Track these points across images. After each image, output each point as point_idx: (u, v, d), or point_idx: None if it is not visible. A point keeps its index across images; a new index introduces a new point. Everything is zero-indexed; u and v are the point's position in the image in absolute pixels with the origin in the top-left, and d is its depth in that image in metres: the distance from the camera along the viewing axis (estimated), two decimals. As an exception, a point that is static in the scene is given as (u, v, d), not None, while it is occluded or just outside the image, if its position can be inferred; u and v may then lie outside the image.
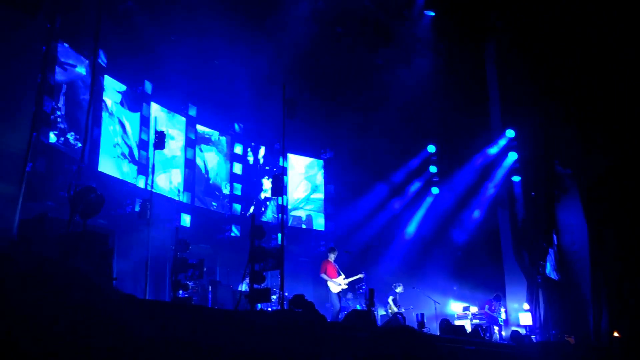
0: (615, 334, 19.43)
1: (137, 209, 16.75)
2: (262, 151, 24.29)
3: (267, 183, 23.94)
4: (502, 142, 23.60)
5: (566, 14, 19.91)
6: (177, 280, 13.34)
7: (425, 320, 18.60)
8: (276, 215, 23.51)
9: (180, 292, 13.34)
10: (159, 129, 15.17)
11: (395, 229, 25.29)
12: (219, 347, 5.30)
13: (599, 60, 19.94)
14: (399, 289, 19.75)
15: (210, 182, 22.16)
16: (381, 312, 19.79)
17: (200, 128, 21.91)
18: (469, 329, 18.46)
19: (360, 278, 17.89)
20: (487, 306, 20.76)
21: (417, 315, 19.01)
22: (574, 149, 21.71)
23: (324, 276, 16.70)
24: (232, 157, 23.16)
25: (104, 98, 17.74)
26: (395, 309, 19.17)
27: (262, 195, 23.84)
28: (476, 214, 24.42)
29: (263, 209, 23.81)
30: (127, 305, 5.26)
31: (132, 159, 18.54)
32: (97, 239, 8.58)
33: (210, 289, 16.02)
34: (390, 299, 19.54)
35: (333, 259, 16.88)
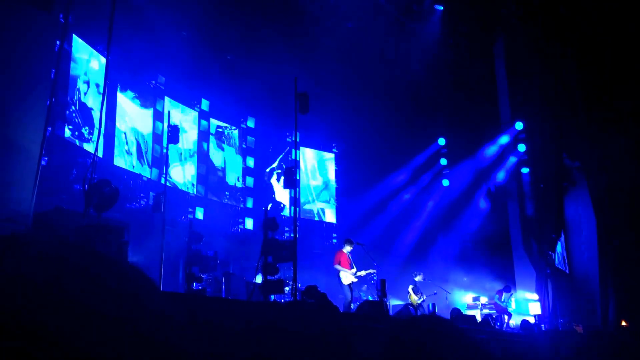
0: (623, 323, 19.48)
1: (151, 202, 16.89)
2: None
3: (277, 185, 24.07)
4: (511, 134, 23.65)
5: (575, 6, 19.90)
6: (191, 273, 13.44)
7: (436, 310, 18.69)
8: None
9: (194, 284, 13.42)
10: (173, 122, 15.22)
11: (406, 221, 25.38)
12: (231, 337, 5.37)
13: (608, 52, 19.93)
14: (417, 278, 19.71)
15: (223, 175, 22.27)
16: (393, 302, 19.84)
17: (213, 122, 22.04)
18: (479, 318, 18.55)
19: (372, 273, 17.86)
20: (497, 296, 20.84)
21: (428, 305, 19.11)
22: (582, 142, 21.73)
23: (338, 267, 16.65)
24: (245, 151, 23.27)
25: (118, 93, 17.90)
26: (415, 298, 19.19)
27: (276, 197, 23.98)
28: (482, 204, 24.54)
29: (282, 206, 23.96)
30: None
31: (144, 154, 18.71)
32: (112, 231, 8.59)
33: (223, 281, 16.07)
34: (410, 288, 19.58)
35: (347, 250, 16.83)
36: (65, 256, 0.93)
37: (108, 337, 0.86)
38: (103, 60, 16.61)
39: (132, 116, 18.59)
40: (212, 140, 21.98)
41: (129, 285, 0.97)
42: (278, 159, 24.53)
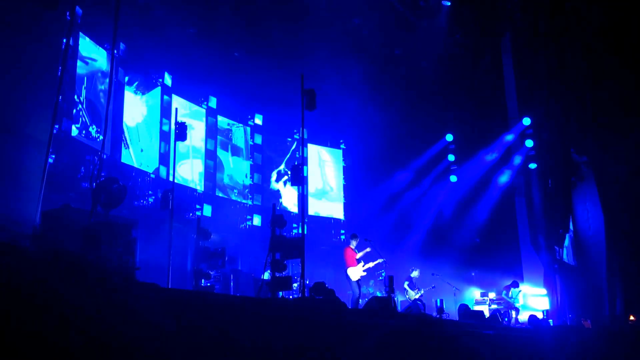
0: (631, 318, 19.47)
1: (159, 199, 16.92)
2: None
3: (284, 189, 24.09)
4: (519, 129, 23.58)
5: (581, 1, 19.88)
6: (199, 270, 13.49)
7: (444, 306, 18.70)
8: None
9: (203, 281, 13.48)
10: (180, 120, 15.21)
11: (414, 217, 25.37)
12: (241, 334, 5.40)
13: (615, 47, 19.88)
14: (414, 274, 19.78)
15: (231, 172, 22.29)
16: (401, 298, 19.86)
17: (220, 119, 22.06)
18: (487, 314, 18.53)
19: (380, 263, 17.77)
20: (505, 292, 20.82)
21: (436, 301, 19.10)
22: (590, 137, 21.69)
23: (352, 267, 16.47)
24: (253, 148, 23.29)
25: (126, 91, 17.92)
26: (413, 293, 19.22)
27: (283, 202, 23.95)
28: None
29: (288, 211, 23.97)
30: (149, 293, 5.36)
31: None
32: (120, 229, 8.59)
33: (232, 278, 16.08)
34: (405, 284, 19.57)
35: (354, 245, 16.80)
36: (53, 262, 0.94)
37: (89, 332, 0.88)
38: (110, 58, 16.63)
39: (135, 109, 18.52)
40: (220, 138, 21.99)
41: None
42: (284, 162, 24.52)
